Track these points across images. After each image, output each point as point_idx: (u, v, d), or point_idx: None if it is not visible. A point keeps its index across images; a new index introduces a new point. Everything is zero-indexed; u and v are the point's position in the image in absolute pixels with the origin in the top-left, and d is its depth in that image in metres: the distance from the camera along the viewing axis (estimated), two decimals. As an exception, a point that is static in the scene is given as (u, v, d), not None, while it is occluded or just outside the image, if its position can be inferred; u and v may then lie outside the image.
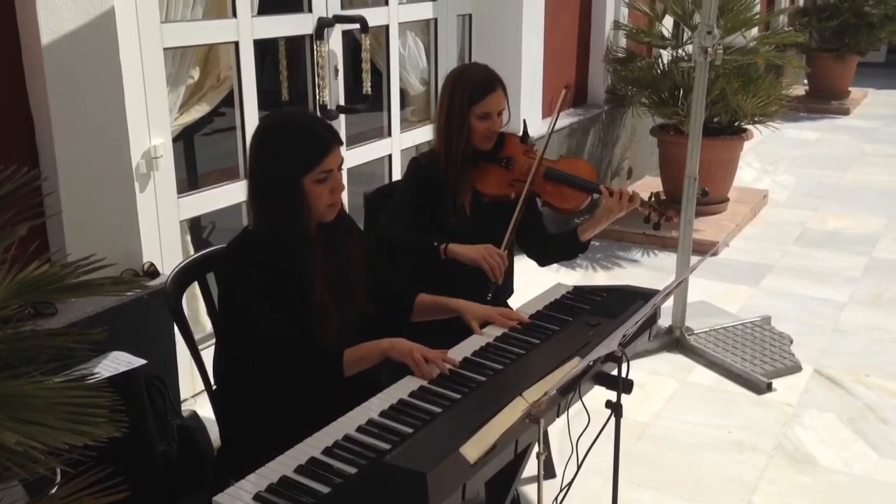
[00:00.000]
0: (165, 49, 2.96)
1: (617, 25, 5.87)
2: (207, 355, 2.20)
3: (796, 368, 3.70)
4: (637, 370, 3.59)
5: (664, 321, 3.92)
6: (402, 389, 1.89)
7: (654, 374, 3.67)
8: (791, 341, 3.94)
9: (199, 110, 3.40)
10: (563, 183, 2.68)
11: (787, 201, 6.29)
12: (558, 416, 1.92)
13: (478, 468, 1.59)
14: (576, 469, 1.95)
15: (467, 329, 2.19)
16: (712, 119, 5.47)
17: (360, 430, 1.73)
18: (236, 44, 3.28)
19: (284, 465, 1.62)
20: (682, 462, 3.05)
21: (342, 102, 3.83)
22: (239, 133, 3.44)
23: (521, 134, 2.75)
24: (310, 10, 3.64)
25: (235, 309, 2.01)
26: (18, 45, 2.43)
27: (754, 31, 6.18)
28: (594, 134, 5.71)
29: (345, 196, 3.79)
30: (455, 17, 4.69)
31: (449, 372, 1.95)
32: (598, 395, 1.96)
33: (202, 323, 3.24)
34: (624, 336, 1.92)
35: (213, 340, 2.20)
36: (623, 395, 1.95)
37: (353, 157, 4.00)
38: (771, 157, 7.54)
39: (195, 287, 2.26)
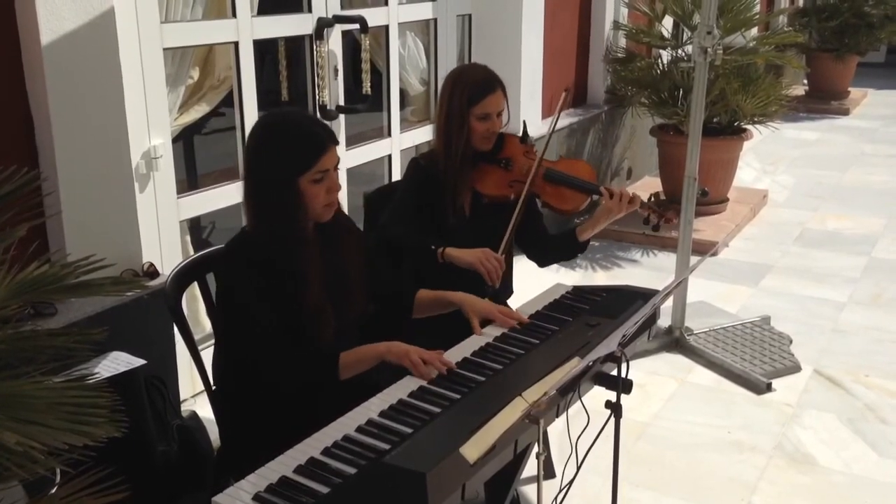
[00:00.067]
0: (165, 49, 2.97)
1: (617, 25, 5.87)
2: (207, 355, 2.20)
3: (796, 368, 3.70)
4: (637, 370, 3.59)
5: (664, 321, 3.92)
6: (401, 390, 1.89)
7: (653, 374, 3.67)
8: (790, 341, 3.94)
9: (198, 110, 3.40)
10: (562, 184, 2.68)
11: (787, 201, 6.29)
12: (558, 417, 1.92)
13: (477, 468, 1.60)
14: (575, 469, 1.96)
15: (467, 326, 2.20)
16: (712, 119, 5.48)
17: (359, 430, 1.73)
18: (236, 44, 3.28)
19: (284, 465, 1.62)
20: (682, 462, 3.05)
21: (342, 102, 3.83)
22: (238, 133, 3.44)
23: (520, 134, 2.75)
24: (309, 11, 3.64)
25: (234, 309, 2.01)
26: (18, 45, 2.43)
27: (754, 31, 6.18)
28: (594, 134, 5.72)
29: (344, 196, 3.81)
30: (455, 18, 4.69)
31: (447, 372, 1.95)
32: (597, 396, 1.96)
33: (202, 323, 3.24)
34: (623, 336, 1.93)
35: (213, 341, 2.20)
36: (623, 396, 1.95)
37: (352, 157, 4.01)
38: (770, 157, 7.54)
39: (195, 287, 2.26)
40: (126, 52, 2.70)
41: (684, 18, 5.44)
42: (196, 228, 3.96)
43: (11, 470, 1.39)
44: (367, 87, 3.86)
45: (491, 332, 2.17)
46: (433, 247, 2.51)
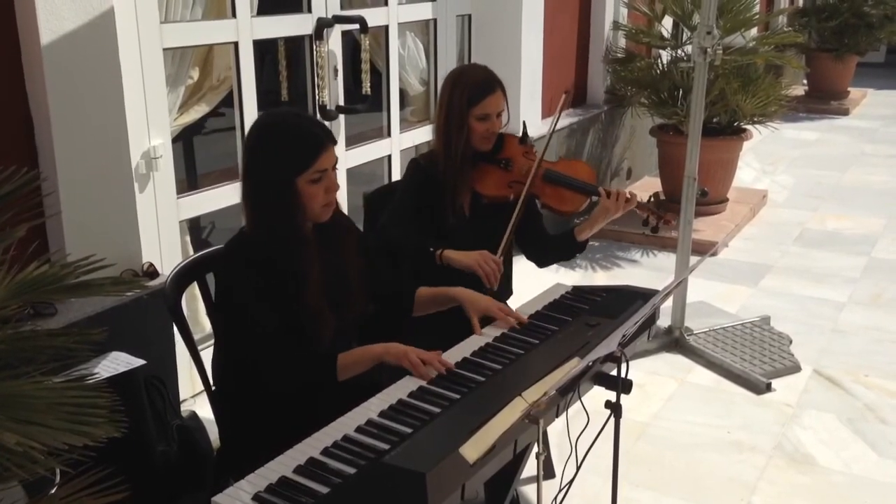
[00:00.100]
0: (165, 49, 2.97)
1: (616, 26, 5.87)
2: (207, 356, 2.20)
3: (795, 369, 3.70)
4: (636, 370, 3.59)
5: (663, 321, 3.92)
6: (401, 390, 1.89)
7: (653, 374, 3.67)
8: (790, 341, 3.94)
9: (198, 111, 3.40)
10: (562, 185, 2.68)
11: (787, 201, 6.29)
12: (557, 417, 1.92)
13: (477, 468, 1.60)
14: (575, 469, 1.96)
15: (467, 326, 2.20)
16: (711, 119, 5.48)
17: (359, 430, 1.73)
18: (236, 44, 3.28)
19: (283, 465, 1.62)
20: (682, 462, 3.05)
21: (342, 103, 3.83)
22: (238, 133, 3.44)
23: (520, 135, 2.75)
24: (309, 11, 3.64)
25: (233, 309, 2.01)
26: (18, 45, 2.43)
27: (754, 31, 6.18)
28: (593, 134, 5.72)
29: (344, 196, 3.81)
30: (454, 18, 4.69)
31: (447, 372, 1.95)
32: (597, 396, 1.96)
33: (201, 323, 3.24)
34: (623, 336, 1.93)
35: (213, 341, 2.20)
36: (622, 396, 1.95)
37: (352, 157, 4.01)
38: (770, 157, 7.54)
39: (195, 287, 2.26)
40: (126, 53, 2.70)
41: (684, 18, 5.44)
42: (196, 228, 3.96)
43: (11, 470, 1.39)
44: (366, 87, 3.86)
45: (490, 333, 2.17)
46: (432, 249, 2.51)
